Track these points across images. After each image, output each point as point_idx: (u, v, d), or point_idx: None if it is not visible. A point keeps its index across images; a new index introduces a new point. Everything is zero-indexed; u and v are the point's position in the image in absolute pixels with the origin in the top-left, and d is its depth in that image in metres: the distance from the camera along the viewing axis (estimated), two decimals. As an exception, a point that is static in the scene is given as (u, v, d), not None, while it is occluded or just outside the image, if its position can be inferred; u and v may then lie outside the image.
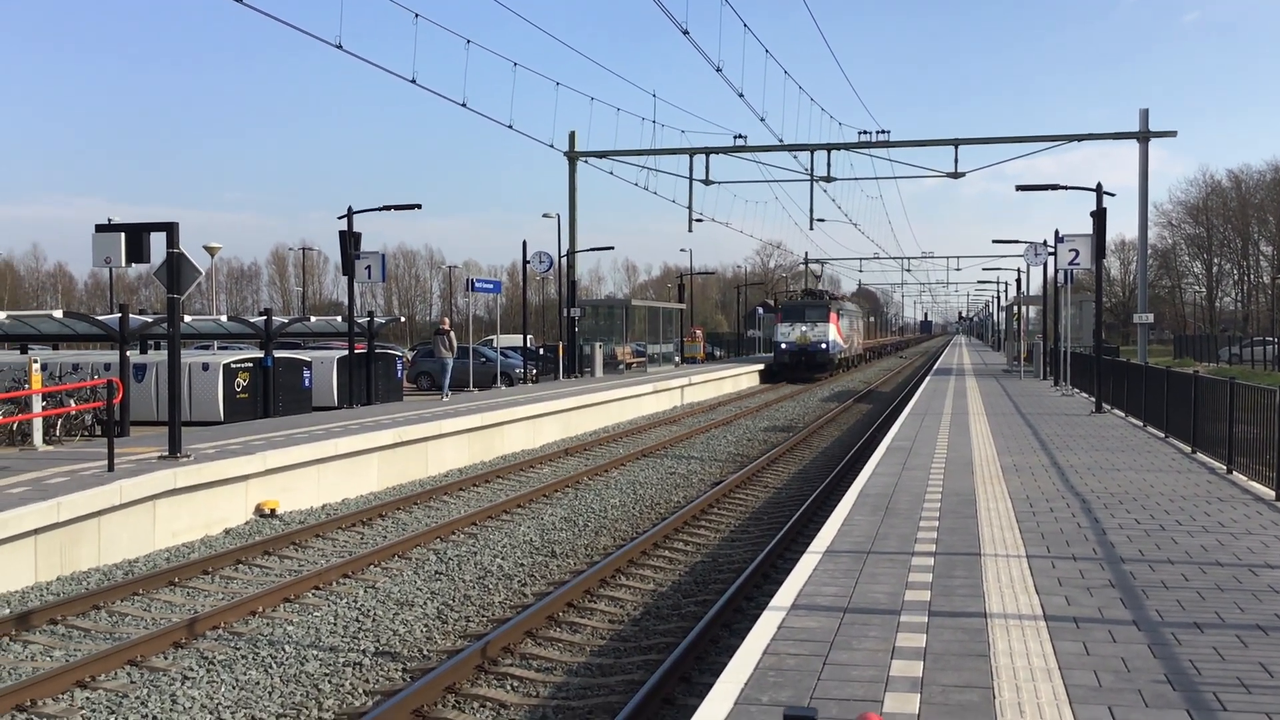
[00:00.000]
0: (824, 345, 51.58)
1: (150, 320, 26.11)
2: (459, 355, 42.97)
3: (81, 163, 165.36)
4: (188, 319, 29.53)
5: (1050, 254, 32.75)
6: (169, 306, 15.31)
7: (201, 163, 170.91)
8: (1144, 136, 37.55)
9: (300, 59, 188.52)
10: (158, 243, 15.20)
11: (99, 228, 15.33)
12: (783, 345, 52.05)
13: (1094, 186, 24.94)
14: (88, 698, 8.06)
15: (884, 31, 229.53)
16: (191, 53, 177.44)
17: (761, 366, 52.19)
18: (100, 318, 25.54)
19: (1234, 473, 13.63)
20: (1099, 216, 24.86)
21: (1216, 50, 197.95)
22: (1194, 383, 16.10)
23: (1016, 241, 40.36)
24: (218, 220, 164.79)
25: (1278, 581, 7.96)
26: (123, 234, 15.12)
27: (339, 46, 19.48)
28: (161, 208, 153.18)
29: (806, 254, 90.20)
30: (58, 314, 25.18)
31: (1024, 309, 51.95)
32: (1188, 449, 16.23)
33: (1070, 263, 26.93)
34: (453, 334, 29.56)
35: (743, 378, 47.86)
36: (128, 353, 22.73)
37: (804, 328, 51.67)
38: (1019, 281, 53.59)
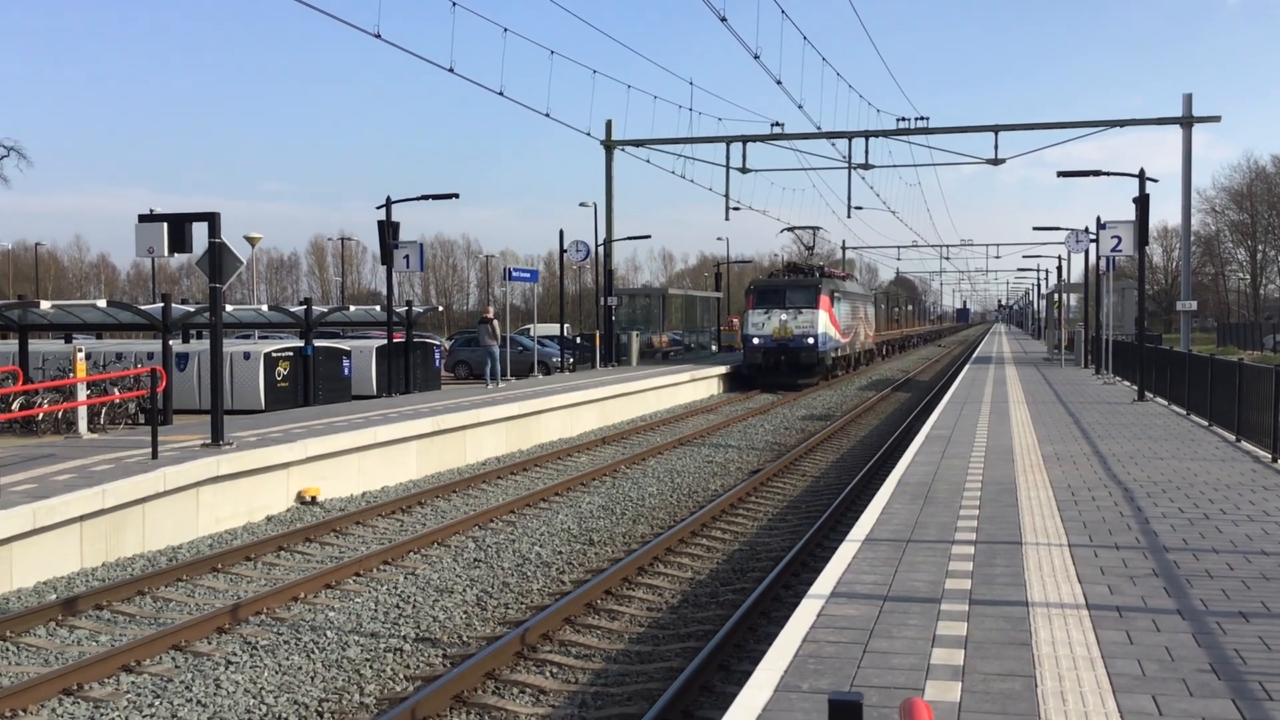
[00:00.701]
0: (811, 339, 38.04)
1: (192, 310, 26.38)
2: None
3: (123, 154, 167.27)
4: (229, 308, 29.82)
5: (1092, 241, 32.40)
6: (211, 295, 15.45)
7: (241, 153, 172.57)
8: (1187, 122, 37.06)
9: (339, 49, 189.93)
10: (199, 233, 15.34)
11: (142, 218, 15.48)
12: (755, 340, 38.56)
13: (1136, 172, 24.64)
14: (133, 681, 8.17)
15: (923, 17, 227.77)
16: (232, 43, 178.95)
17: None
18: (143, 307, 25.83)
19: (1279, 461, 13.45)
20: (1142, 203, 24.55)
21: (1260, 34, 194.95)
22: (1238, 370, 15.89)
23: (1057, 228, 39.99)
24: (258, 210, 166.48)
25: (1325, 571, 7.85)
26: (165, 224, 15.26)
27: (377, 36, 19.57)
28: (202, 198, 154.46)
29: (844, 242, 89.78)
30: (101, 303, 25.49)
31: (1065, 296, 51.47)
32: (1232, 437, 16.03)
33: (1112, 250, 26.62)
34: (496, 322, 29.68)
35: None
36: (170, 342, 22.98)
37: (784, 316, 38.25)
38: (1059, 269, 53.12)
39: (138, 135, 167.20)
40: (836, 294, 41.38)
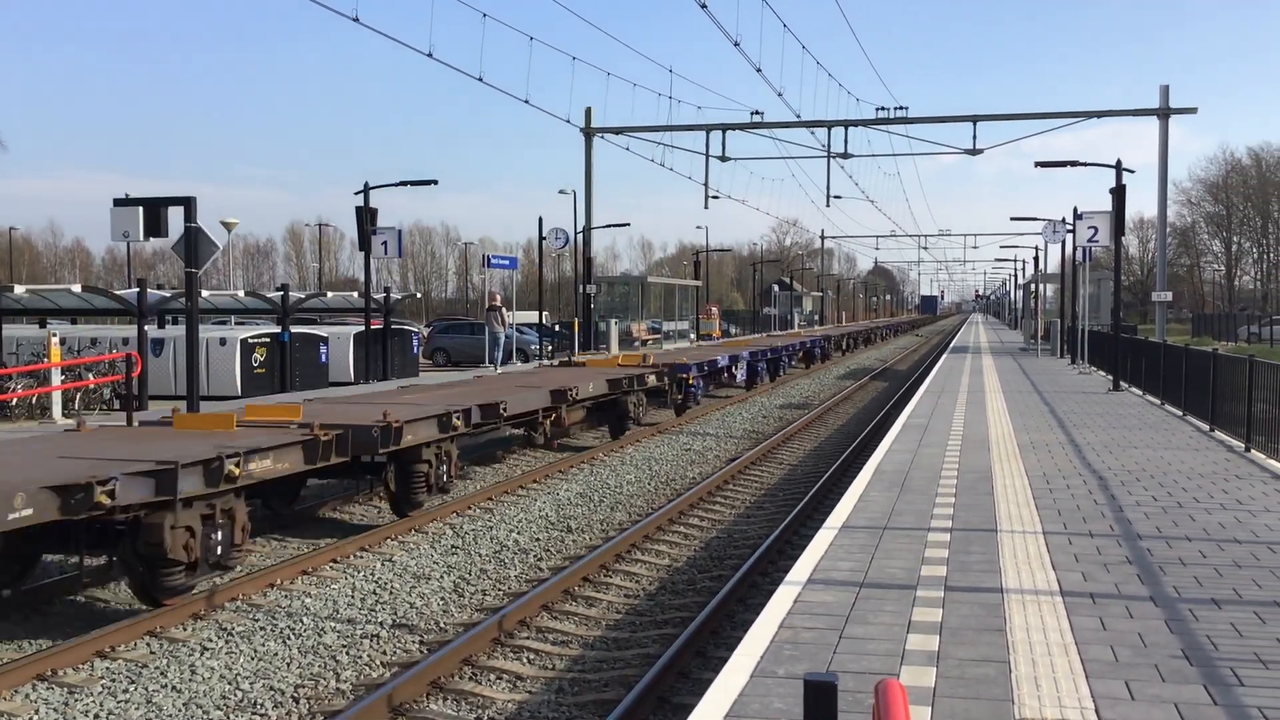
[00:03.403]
0: None
1: (168, 295, 26.24)
2: (470, 332, 43.14)
3: (98, 138, 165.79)
4: (205, 294, 29.65)
5: (1069, 231, 32.57)
6: (187, 281, 15.36)
7: (218, 138, 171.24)
8: (1164, 113, 37.24)
9: (317, 33, 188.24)
10: (175, 217, 15.26)
11: (117, 202, 15.37)
12: None
13: (1113, 163, 24.78)
14: (108, 667, 8.13)
15: (902, 7, 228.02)
16: (208, 26, 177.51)
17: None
18: (118, 292, 25.65)
19: (1252, 451, 13.57)
20: (1118, 193, 24.69)
21: (1237, 26, 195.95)
22: (1213, 361, 16.01)
23: (1034, 219, 40.19)
24: (234, 196, 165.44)
25: (1296, 559, 7.93)
26: (141, 208, 15.17)
27: (355, 19, 19.39)
28: (178, 183, 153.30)
29: (823, 231, 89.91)
30: (76, 288, 25.32)
31: (1042, 287, 51.70)
32: (1206, 427, 16.16)
33: (1089, 240, 26.80)
34: (504, 310, 30.06)
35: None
36: (145, 327, 22.83)
37: None
38: (1036, 259, 53.32)
39: (113, 119, 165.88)
40: None
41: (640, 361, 23.45)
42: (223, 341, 26.54)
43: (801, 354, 41.36)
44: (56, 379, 19.93)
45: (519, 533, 12.91)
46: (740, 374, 29.77)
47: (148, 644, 8.67)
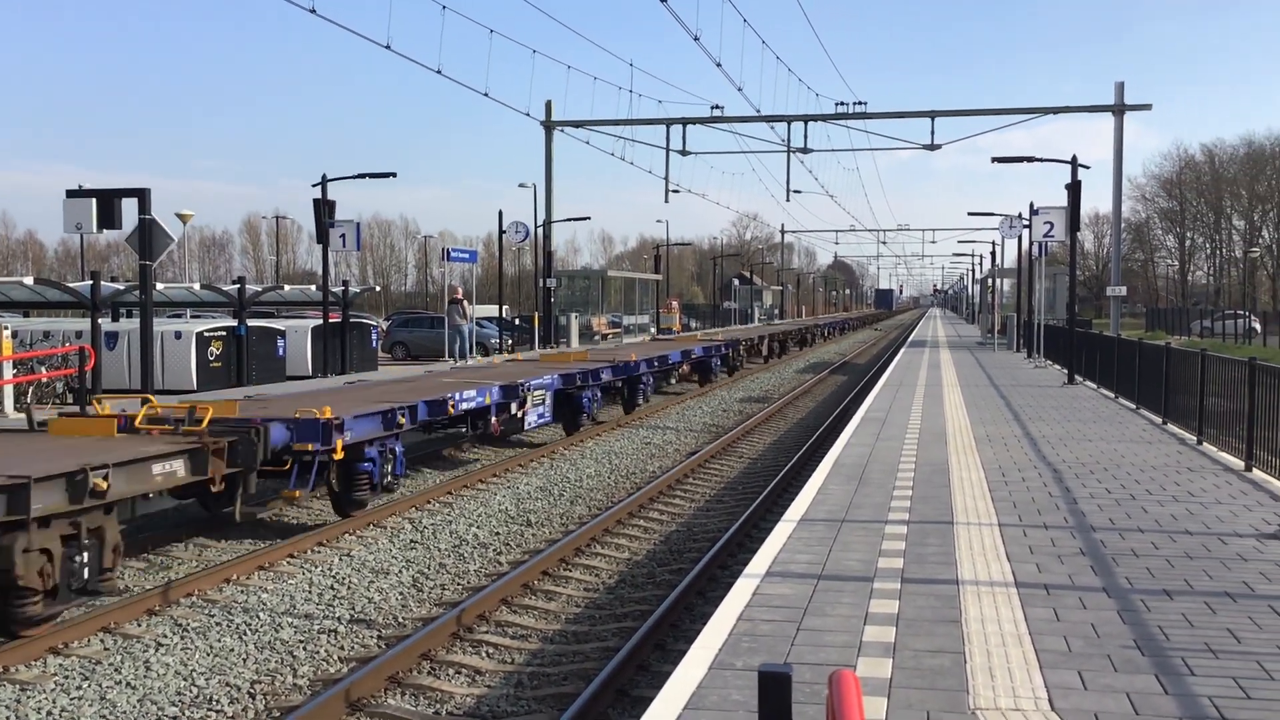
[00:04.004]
0: None
1: (122, 288, 25.91)
2: (430, 325, 42.93)
3: (51, 129, 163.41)
4: (160, 287, 29.34)
5: (1025, 227, 32.86)
6: (141, 273, 15.19)
7: (173, 129, 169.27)
8: (1119, 110, 37.66)
9: (273, 23, 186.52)
10: (129, 209, 15.08)
11: (70, 193, 15.17)
12: None
13: (1069, 159, 25.01)
14: (61, 664, 8.03)
15: (861, 2, 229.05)
16: (163, 16, 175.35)
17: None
18: (71, 285, 25.32)
19: (1204, 444, 13.76)
20: (1074, 189, 24.93)
21: (1191, 26, 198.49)
22: (1165, 355, 16.22)
23: (991, 214, 40.50)
24: (190, 188, 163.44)
25: (1246, 550, 8.06)
26: (94, 200, 14.99)
27: (313, 11, 19.22)
28: (132, 175, 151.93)
29: (782, 225, 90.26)
30: (28, 280, 24.96)
31: (998, 282, 52.16)
32: (1159, 420, 16.37)
33: (1045, 235, 27.04)
34: (466, 303, 30.02)
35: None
36: (99, 320, 22.54)
37: None
38: (994, 254, 53.78)
39: (67, 111, 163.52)
40: None
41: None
42: (178, 335, 26.23)
43: (689, 368, 31.08)
44: (8, 373, 19.62)
45: (478, 527, 12.87)
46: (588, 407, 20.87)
47: (102, 640, 8.58)
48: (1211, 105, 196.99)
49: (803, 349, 53.81)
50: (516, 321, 45.34)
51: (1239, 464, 12.02)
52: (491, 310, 45.91)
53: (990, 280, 55.18)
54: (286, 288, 34.88)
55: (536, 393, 18.05)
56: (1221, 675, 5.38)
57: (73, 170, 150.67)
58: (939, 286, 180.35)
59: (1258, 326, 61.15)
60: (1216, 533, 8.66)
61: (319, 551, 11.54)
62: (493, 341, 40.69)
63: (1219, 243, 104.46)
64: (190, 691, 7.59)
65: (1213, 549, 8.09)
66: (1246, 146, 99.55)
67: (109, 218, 15.02)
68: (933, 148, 37.98)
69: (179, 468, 9.74)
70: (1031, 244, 30.22)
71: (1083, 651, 5.73)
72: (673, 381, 29.80)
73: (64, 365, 22.46)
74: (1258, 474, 11.48)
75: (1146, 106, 38.36)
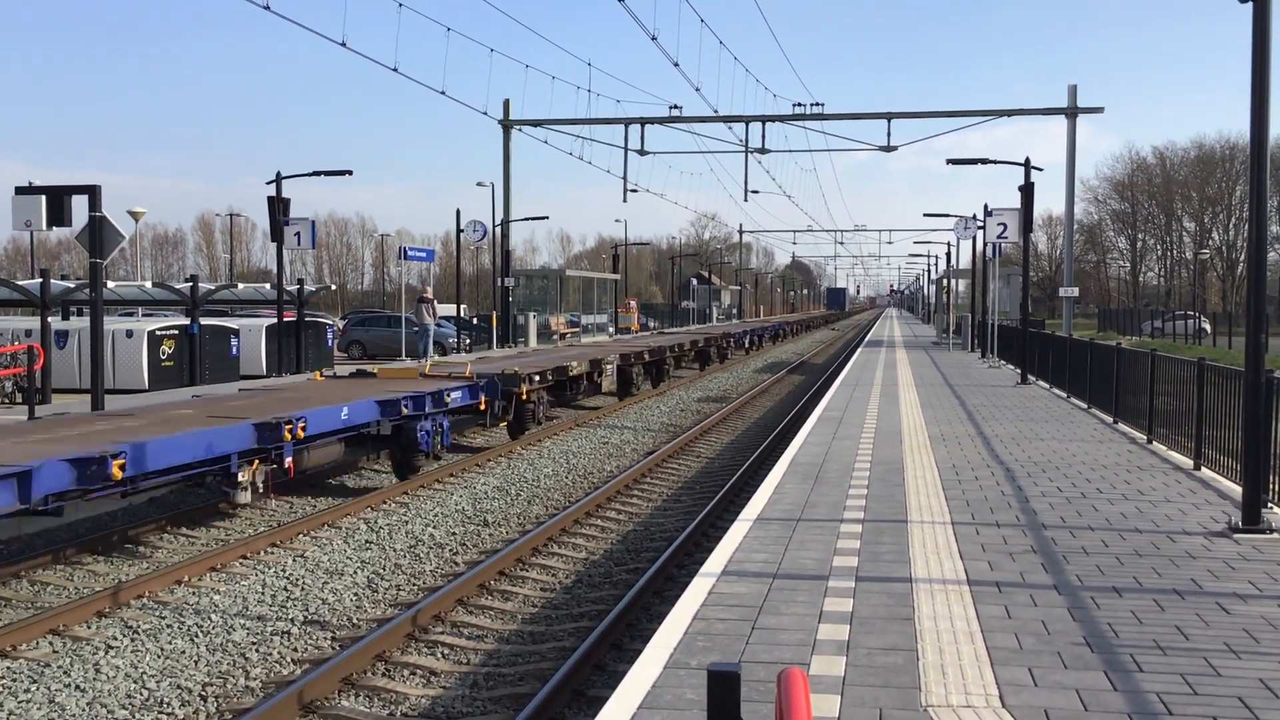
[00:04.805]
0: None
1: (72, 286, 25.56)
2: (387, 325, 42.69)
3: None
4: (111, 285, 28.96)
5: (979, 228, 33.15)
6: (91, 271, 14.99)
7: (124, 126, 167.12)
8: (1072, 112, 38.08)
9: (227, 20, 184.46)
10: (79, 206, 14.87)
11: (19, 190, 14.94)
12: None
13: (1022, 161, 25.27)
14: (9, 667, 7.91)
15: (818, 3, 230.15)
16: (114, 10, 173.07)
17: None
18: (20, 283, 24.94)
19: (1154, 443, 13.95)
20: (1027, 191, 25.19)
21: (1143, 30, 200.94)
22: (1116, 355, 16.42)
23: (947, 215, 40.82)
24: (142, 185, 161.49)
25: (1194, 548, 8.17)
26: (44, 196, 14.77)
27: (267, 8, 19.06)
28: (83, 171, 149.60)
29: (741, 226, 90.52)
30: (-25, 279, 24.50)
31: (953, 282, 52.58)
32: (1109, 419, 16.57)
33: (998, 236, 27.29)
34: (435, 302, 30.19)
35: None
36: (49, 319, 22.23)
37: None
38: (949, 255, 54.21)
39: (15, 106, 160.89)
40: None
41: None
42: (129, 334, 25.91)
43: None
44: (-45, 372, 19.32)
45: (435, 527, 12.81)
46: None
47: (50, 642, 8.46)
48: (1163, 108, 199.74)
49: (724, 363, 45.50)
50: (475, 321, 45.14)
51: (1188, 463, 12.19)
52: (450, 310, 45.74)
53: (945, 281, 55.63)
54: (240, 286, 34.53)
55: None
56: (1169, 672, 5.45)
57: (19, 167, 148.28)
58: (895, 287, 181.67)
59: (1207, 327, 62.08)
60: (1165, 531, 8.78)
61: (272, 553, 11.44)
62: (450, 341, 40.52)
63: (1170, 244, 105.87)
64: (141, 694, 7.50)
65: (1162, 547, 8.20)
66: (1197, 149, 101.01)
67: (59, 215, 14.81)
68: (889, 149, 38.24)
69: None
70: (985, 245, 30.50)
71: (1033, 649, 5.79)
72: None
73: (13, 364, 22.13)
74: (1206, 473, 11.65)
75: (1099, 109, 38.77)
